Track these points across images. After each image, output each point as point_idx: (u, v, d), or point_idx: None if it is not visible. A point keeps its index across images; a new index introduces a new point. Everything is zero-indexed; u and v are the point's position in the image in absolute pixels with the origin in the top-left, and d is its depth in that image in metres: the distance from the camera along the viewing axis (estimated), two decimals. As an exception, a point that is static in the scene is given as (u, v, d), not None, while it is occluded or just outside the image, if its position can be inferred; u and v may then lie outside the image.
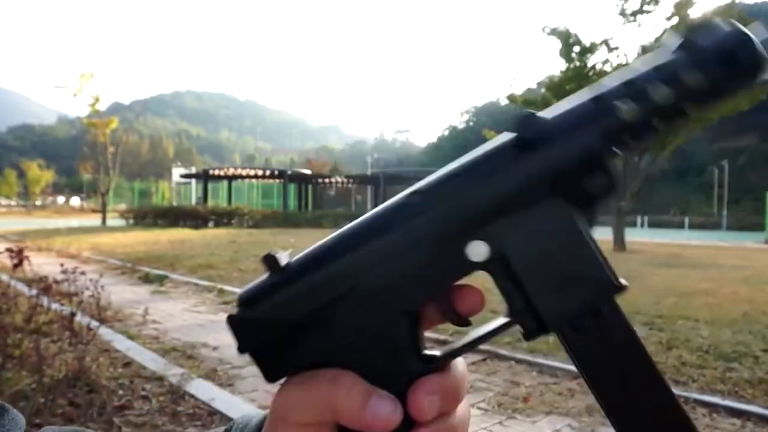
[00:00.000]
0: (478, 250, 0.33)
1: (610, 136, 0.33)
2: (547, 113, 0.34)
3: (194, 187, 40.07)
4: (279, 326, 0.33)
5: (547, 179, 0.33)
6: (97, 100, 25.91)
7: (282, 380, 0.35)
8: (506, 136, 0.34)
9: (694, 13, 13.71)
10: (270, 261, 0.34)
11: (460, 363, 0.36)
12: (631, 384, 0.33)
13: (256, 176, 36.01)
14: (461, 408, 0.36)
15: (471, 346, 0.35)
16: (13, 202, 66.08)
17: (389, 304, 0.33)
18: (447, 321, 0.35)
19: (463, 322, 0.35)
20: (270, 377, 0.34)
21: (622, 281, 0.33)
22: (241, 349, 0.34)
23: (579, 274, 0.33)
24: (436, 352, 0.35)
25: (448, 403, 0.34)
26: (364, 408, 0.32)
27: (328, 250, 0.34)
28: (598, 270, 0.33)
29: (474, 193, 0.33)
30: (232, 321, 0.33)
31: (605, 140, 0.33)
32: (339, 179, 42.01)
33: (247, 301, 0.34)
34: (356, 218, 0.35)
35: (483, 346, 4.49)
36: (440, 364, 0.34)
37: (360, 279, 0.33)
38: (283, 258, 0.34)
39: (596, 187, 0.33)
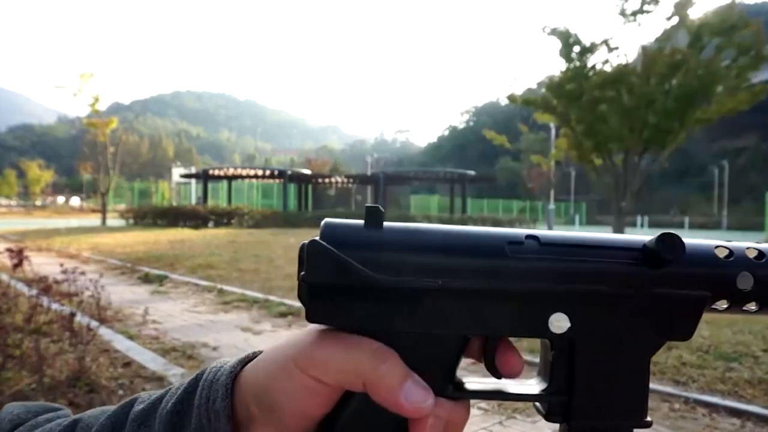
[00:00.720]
0: (560, 323, 0.34)
1: (718, 294, 0.35)
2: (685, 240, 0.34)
3: (194, 187, 40.05)
4: (358, 279, 0.32)
5: (650, 301, 0.34)
6: (97, 100, 25.89)
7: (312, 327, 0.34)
8: (641, 242, 0.35)
9: (694, 13, 13.71)
10: (373, 214, 0.33)
11: (467, 407, 0.36)
12: None
13: (256, 176, 35.98)
14: None
15: (498, 397, 0.36)
16: (13, 202, 66.06)
17: (458, 321, 0.33)
18: (480, 362, 0.36)
19: (494, 371, 0.36)
20: (313, 317, 0.33)
21: (649, 419, 0.34)
22: (308, 278, 0.32)
23: (624, 396, 0.34)
24: (466, 382, 0.36)
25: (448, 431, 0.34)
26: (400, 388, 0.32)
27: (430, 239, 0.34)
28: (639, 403, 0.34)
29: (590, 272, 0.34)
30: (314, 245, 0.32)
31: (713, 295, 0.35)
32: (339, 179, 41.99)
33: (337, 238, 0.33)
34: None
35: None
36: (465, 396, 0.35)
37: (447, 285, 0.33)
38: (382, 214, 0.34)
39: (680, 330, 0.35)
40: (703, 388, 3.56)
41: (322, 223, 0.34)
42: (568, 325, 0.33)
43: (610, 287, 0.34)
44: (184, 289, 7.59)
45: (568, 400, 0.34)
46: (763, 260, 0.36)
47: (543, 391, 0.35)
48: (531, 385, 0.36)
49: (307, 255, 0.32)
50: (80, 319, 3.83)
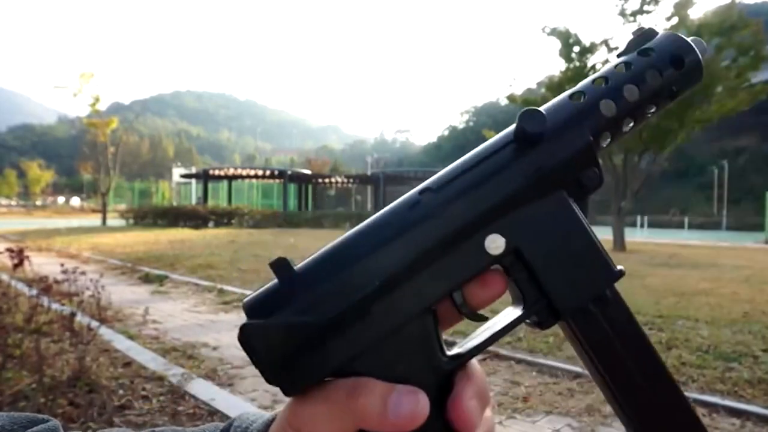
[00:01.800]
0: (496, 244, 0.34)
1: (597, 132, 0.36)
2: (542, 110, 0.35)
3: (194, 187, 40.05)
4: (297, 335, 0.31)
5: (552, 173, 0.35)
6: (97, 100, 25.90)
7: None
8: (511, 131, 0.35)
9: (694, 13, 13.71)
10: (280, 266, 0.33)
11: (477, 364, 0.36)
12: (637, 367, 0.35)
13: (256, 176, 36.00)
14: (488, 408, 0.36)
15: (493, 340, 0.36)
16: (13, 202, 66.05)
17: (412, 303, 0.33)
18: (462, 317, 0.36)
19: (479, 317, 0.36)
20: (290, 392, 0.32)
21: (620, 267, 0.35)
22: (259, 363, 0.32)
23: (584, 262, 0.35)
24: (458, 350, 0.36)
25: (484, 403, 0.34)
26: (385, 409, 0.31)
27: (343, 254, 0.33)
28: (600, 258, 0.35)
29: (488, 187, 0.34)
30: (245, 332, 0.32)
31: (594, 136, 0.36)
32: (339, 179, 42.00)
33: (258, 310, 0.32)
34: (357, 218, 0.35)
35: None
36: (465, 360, 0.35)
37: (381, 281, 0.32)
38: (293, 263, 0.33)
39: (590, 179, 0.35)
40: (703, 388, 3.56)
41: (242, 304, 0.33)
42: (503, 240, 0.34)
43: (511, 188, 0.34)
44: (184, 289, 7.60)
45: (546, 300, 0.34)
46: (610, 82, 0.37)
47: (524, 308, 0.35)
48: (513, 312, 0.36)
49: (245, 345, 0.32)
50: (80, 319, 3.83)
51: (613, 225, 14.89)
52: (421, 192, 0.34)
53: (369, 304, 0.32)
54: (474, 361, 0.35)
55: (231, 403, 3.32)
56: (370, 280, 0.32)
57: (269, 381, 0.32)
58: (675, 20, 13.70)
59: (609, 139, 0.37)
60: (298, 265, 0.33)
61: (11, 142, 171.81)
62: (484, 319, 0.36)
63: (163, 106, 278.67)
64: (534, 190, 0.34)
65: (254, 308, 0.32)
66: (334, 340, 0.32)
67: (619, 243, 14.11)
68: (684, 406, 0.35)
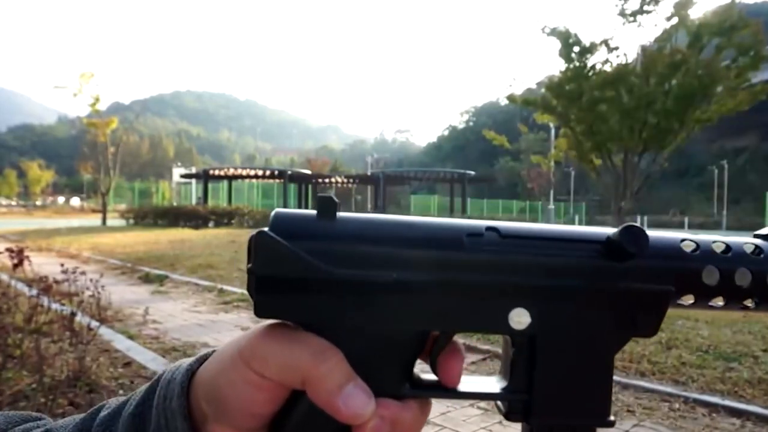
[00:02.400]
0: (520, 319, 0.32)
1: (684, 289, 0.34)
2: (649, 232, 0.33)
3: (194, 187, 40.07)
4: (303, 272, 0.31)
5: (613, 295, 0.33)
6: (97, 100, 25.87)
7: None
8: (607, 233, 0.34)
9: (694, 13, 13.71)
10: (326, 203, 0.32)
11: (425, 409, 0.34)
12: None
13: (256, 176, 36.00)
14: None
15: (456, 396, 0.34)
16: (13, 202, 66.03)
17: (416, 316, 0.32)
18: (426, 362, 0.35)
19: (436, 374, 0.34)
20: (261, 311, 0.31)
21: (612, 418, 0.33)
22: (255, 270, 0.31)
23: (586, 393, 0.33)
24: (425, 380, 0.34)
25: None
26: (339, 392, 0.30)
27: (387, 229, 0.32)
28: (603, 399, 0.33)
29: (551, 266, 0.32)
30: (261, 236, 0.31)
31: (678, 290, 0.34)
32: (339, 179, 42.01)
33: (287, 229, 0.31)
34: None
35: (483, 346, 4.44)
36: (421, 395, 0.33)
37: (403, 277, 0.31)
38: (336, 204, 0.32)
39: (644, 325, 0.33)
40: (703, 388, 3.56)
41: (272, 213, 0.32)
42: (529, 320, 0.32)
43: (571, 281, 0.32)
44: (184, 289, 7.60)
45: (528, 398, 0.33)
46: (730, 254, 0.35)
47: (503, 389, 0.34)
48: (491, 383, 0.35)
49: (255, 246, 0.31)
50: (80, 319, 3.83)
51: (613, 225, 14.85)
52: (488, 228, 0.33)
53: (377, 290, 0.31)
54: (425, 403, 0.34)
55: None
56: (395, 272, 0.31)
57: (251, 292, 0.31)
58: (675, 20, 13.70)
59: (690, 302, 0.35)
60: (344, 213, 0.33)
61: (11, 142, 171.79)
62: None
63: (163, 106, 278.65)
64: (588, 299, 0.33)
65: (282, 222, 0.32)
66: (329, 299, 0.31)
67: (619, 243, 14.08)
68: None
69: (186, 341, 4.74)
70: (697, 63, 12.96)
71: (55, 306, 4.13)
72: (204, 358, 0.36)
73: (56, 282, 3.96)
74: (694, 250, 0.34)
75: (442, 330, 0.33)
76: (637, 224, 0.33)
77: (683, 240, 0.35)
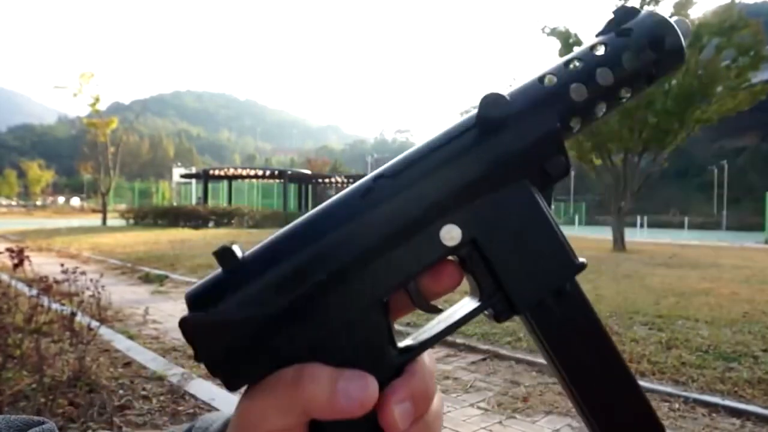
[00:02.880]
0: (451, 234, 0.32)
1: (566, 117, 0.34)
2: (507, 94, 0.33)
3: (194, 187, 40.03)
4: (243, 328, 0.30)
5: (513, 161, 0.33)
6: (97, 100, 25.88)
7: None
8: (473, 116, 0.33)
9: (694, 12, 13.71)
10: (224, 255, 0.31)
11: (427, 357, 0.33)
12: (595, 362, 0.33)
13: (256, 176, 35.97)
14: (435, 402, 0.33)
15: (447, 332, 0.34)
16: (13, 202, 66.04)
17: (364, 293, 0.31)
18: (416, 308, 0.34)
19: (433, 308, 0.34)
20: (232, 386, 0.31)
21: (582, 260, 0.33)
22: (201, 358, 0.30)
23: (544, 254, 0.33)
24: (410, 342, 0.34)
25: (420, 406, 0.31)
26: (334, 393, 0.29)
27: (291, 241, 0.31)
28: (561, 250, 0.33)
29: (446, 175, 0.32)
30: (186, 325, 0.30)
31: (562, 121, 0.34)
32: (339, 179, 41.99)
33: (201, 302, 0.30)
34: None
35: (483, 346, 4.44)
36: (416, 354, 0.33)
37: (329, 269, 0.31)
38: (238, 251, 0.31)
39: (555, 168, 0.34)
40: (703, 388, 3.56)
41: (185, 297, 0.31)
42: (459, 230, 0.32)
43: (470, 176, 0.32)
44: (184, 289, 7.59)
45: (504, 293, 0.33)
46: (583, 64, 0.35)
47: (480, 300, 0.34)
48: (470, 304, 0.35)
49: (187, 337, 0.30)
50: (80, 319, 3.83)
51: (613, 225, 14.89)
52: (375, 179, 0.33)
53: (317, 294, 0.30)
54: (425, 357, 0.33)
55: (231, 403, 3.31)
56: (319, 270, 0.30)
57: (213, 374, 0.30)
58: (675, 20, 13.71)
59: (579, 125, 0.35)
60: (245, 253, 0.31)
61: (11, 142, 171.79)
62: (439, 311, 0.35)
63: (163, 106, 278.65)
64: (494, 179, 0.33)
65: (197, 299, 0.31)
66: (280, 333, 0.30)
67: (619, 243, 14.10)
68: (641, 400, 0.34)
69: (185, 341, 4.73)
70: (697, 63, 12.96)
71: (55, 306, 4.12)
72: (226, 425, 0.35)
73: (56, 282, 3.96)
74: (554, 81, 0.34)
75: (396, 289, 0.32)
76: (496, 92, 0.32)
77: (540, 78, 0.35)
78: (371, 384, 0.30)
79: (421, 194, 0.32)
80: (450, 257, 0.33)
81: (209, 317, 0.30)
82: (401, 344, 0.33)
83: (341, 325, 0.31)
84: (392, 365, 0.32)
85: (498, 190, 0.33)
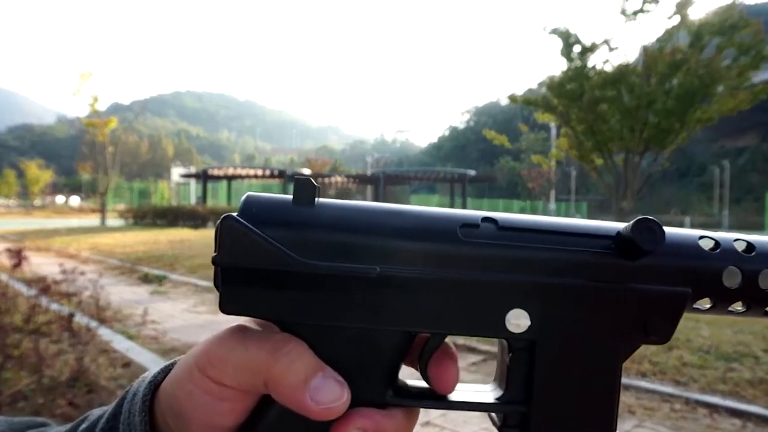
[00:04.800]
0: (519, 322, 0.29)
1: (702, 292, 0.31)
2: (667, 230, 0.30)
3: (194, 187, 40.06)
4: (279, 263, 0.27)
5: (626, 297, 0.30)
6: (96, 100, 25.87)
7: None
8: (617, 228, 0.30)
9: (695, 12, 13.71)
10: (305, 186, 0.29)
11: (416, 411, 0.31)
12: None
13: (255, 176, 35.99)
14: None
15: (447, 407, 0.31)
16: (12, 202, 66.06)
17: (400, 315, 0.29)
18: (415, 368, 0.32)
19: (429, 383, 0.31)
20: (227, 307, 0.28)
21: None
22: (220, 260, 0.28)
23: (590, 407, 0.30)
24: (410, 383, 0.32)
25: None
26: (305, 385, 0.27)
27: (374, 219, 0.29)
28: (607, 415, 0.30)
29: (556, 259, 0.29)
30: (227, 222, 0.28)
31: (696, 292, 0.31)
32: (339, 179, 42.01)
33: (258, 215, 0.28)
34: None
35: (483, 347, 4.44)
36: (406, 403, 0.30)
37: (391, 273, 0.28)
38: (316, 188, 0.29)
39: (656, 331, 0.30)
40: (704, 389, 3.55)
41: (244, 197, 0.29)
42: (528, 323, 0.29)
43: (576, 280, 0.29)
44: (183, 289, 7.58)
45: (526, 410, 0.30)
46: (753, 254, 0.32)
47: (498, 399, 0.31)
48: (485, 392, 0.32)
49: (220, 233, 0.28)
50: (79, 319, 3.82)
51: (613, 225, 14.84)
52: (485, 219, 0.30)
53: (364, 285, 0.28)
54: (410, 412, 0.31)
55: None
56: (379, 262, 0.28)
57: (217, 286, 0.28)
58: (676, 19, 13.71)
59: (708, 306, 0.31)
60: (324, 200, 0.29)
61: (11, 142, 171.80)
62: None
63: (163, 106, 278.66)
64: (594, 300, 0.29)
65: (253, 207, 0.28)
66: (304, 294, 0.28)
67: (620, 243, 14.08)
68: None
69: (185, 341, 4.72)
70: (698, 62, 12.96)
71: (54, 306, 4.12)
72: (169, 369, 0.33)
73: (55, 282, 3.96)
74: (714, 249, 0.31)
75: (431, 332, 0.30)
76: (652, 218, 0.29)
77: (702, 237, 0.32)
78: (345, 397, 0.28)
79: (518, 263, 0.29)
80: (503, 342, 0.31)
81: (252, 229, 0.27)
82: (400, 384, 0.31)
83: (363, 329, 0.29)
84: (379, 400, 0.29)
85: (591, 312, 0.29)
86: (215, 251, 0.28)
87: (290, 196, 0.29)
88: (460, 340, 4.66)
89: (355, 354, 0.29)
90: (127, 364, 3.99)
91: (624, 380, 3.64)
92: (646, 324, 0.30)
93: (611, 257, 0.30)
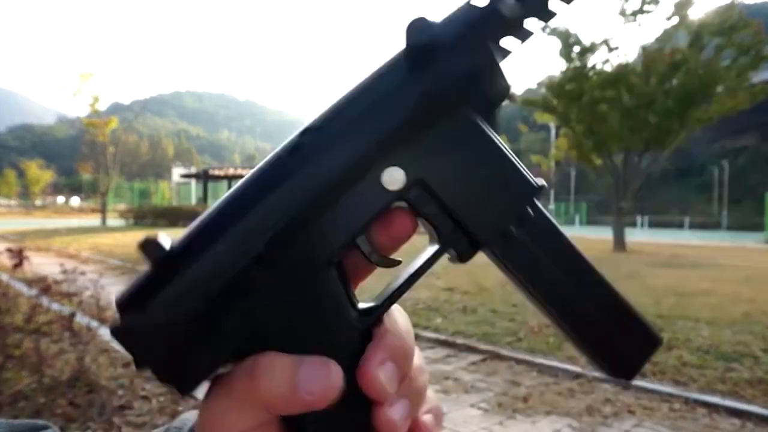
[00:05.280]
0: (393, 178, 0.30)
1: (499, 36, 0.31)
2: (437, 18, 0.31)
3: (194, 187, 40.03)
4: (178, 327, 0.27)
5: (449, 90, 0.30)
6: (96, 100, 25.91)
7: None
8: (401, 51, 0.31)
9: (694, 13, 13.71)
10: (150, 248, 0.28)
11: (398, 315, 0.31)
12: (570, 280, 0.32)
13: (256, 176, 35.95)
14: (416, 360, 0.31)
15: (409, 284, 0.31)
16: (12, 202, 66.05)
17: (309, 259, 0.29)
18: (373, 264, 0.31)
19: (390, 261, 0.31)
20: (183, 390, 0.28)
21: (541, 181, 0.31)
22: (141, 364, 0.27)
23: (499, 181, 0.31)
24: (372, 302, 0.31)
25: (401, 364, 0.29)
26: (294, 387, 0.26)
27: (220, 218, 0.29)
28: (516, 175, 0.31)
29: (377, 116, 0.29)
30: (118, 333, 0.27)
31: (496, 42, 0.31)
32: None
33: (131, 305, 0.27)
34: None
35: (483, 346, 4.43)
36: (381, 313, 0.30)
37: (266, 241, 0.28)
38: (166, 242, 0.28)
39: (495, 91, 0.31)
40: (703, 388, 3.56)
41: (115, 303, 0.28)
42: (402, 172, 0.30)
43: (402, 114, 0.29)
44: (184, 289, 7.59)
45: (462, 229, 0.31)
46: None
47: (439, 242, 0.31)
48: (430, 249, 0.32)
49: (122, 345, 0.27)
50: (80, 319, 3.83)
51: (613, 225, 14.89)
52: (303, 133, 0.30)
53: (256, 272, 0.28)
54: (394, 313, 0.31)
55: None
56: (255, 243, 0.28)
57: (160, 381, 0.28)
58: (675, 20, 13.70)
59: (513, 44, 0.32)
60: (173, 242, 0.28)
61: (11, 142, 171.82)
62: (397, 263, 0.32)
63: (163, 106, 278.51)
64: (431, 112, 0.30)
65: (126, 303, 0.28)
66: (224, 322, 0.27)
67: (620, 243, 14.09)
68: (626, 307, 0.32)
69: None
70: (698, 63, 12.96)
71: (54, 306, 4.13)
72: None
73: (56, 282, 3.97)
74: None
75: (342, 246, 0.29)
76: (422, 16, 0.29)
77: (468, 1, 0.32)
78: (334, 370, 0.27)
79: (353, 141, 0.29)
80: (398, 203, 0.31)
81: (139, 322, 0.27)
82: (362, 306, 0.31)
83: (290, 301, 0.28)
84: (355, 331, 0.29)
85: (437, 123, 0.30)
86: (135, 366, 0.28)
87: (146, 268, 0.28)
88: (460, 339, 4.67)
89: (307, 317, 0.29)
90: (128, 364, 3.99)
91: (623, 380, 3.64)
92: (485, 94, 0.31)
93: (412, 75, 0.30)
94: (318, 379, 0.27)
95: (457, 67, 0.30)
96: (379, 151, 0.29)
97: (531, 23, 0.32)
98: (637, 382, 3.62)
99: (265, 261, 0.28)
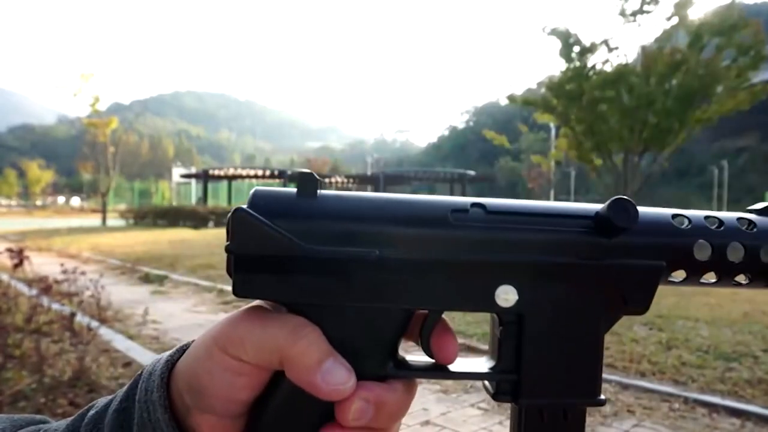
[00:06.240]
0: (507, 297, 0.32)
1: (675, 264, 0.33)
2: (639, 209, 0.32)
3: (194, 187, 40.05)
4: (288, 250, 0.30)
5: (606, 271, 0.32)
6: (96, 100, 25.87)
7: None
8: (595, 209, 0.33)
9: (694, 13, 13.71)
10: (307, 180, 0.31)
11: (412, 386, 0.34)
12: None
13: (256, 176, 35.97)
14: (395, 429, 0.34)
15: (444, 377, 0.34)
16: (13, 202, 66.03)
17: (399, 294, 0.31)
18: (417, 343, 0.34)
19: (431, 356, 0.33)
20: (240, 291, 0.31)
21: (602, 398, 0.33)
22: (233, 249, 0.30)
23: (576, 374, 0.32)
24: (409, 358, 0.34)
25: (381, 418, 0.31)
26: (318, 367, 0.30)
27: (370, 207, 0.31)
28: (592, 379, 0.33)
29: (539, 242, 0.32)
30: (238, 213, 0.30)
31: (669, 265, 0.33)
32: (339, 179, 42.01)
33: (266, 207, 0.30)
34: None
35: (483, 346, 4.44)
36: (406, 377, 0.33)
37: (389, 256, 0.31)
38: (318, 181, 0.31)
39: (634, 302, 0.33)
40: (703, 388, 3.56)
41: (252, 191, 0.32)
42: (516, 298, 0.31)
43: (559, 257, 0.32)
44: (184, 289, 7.59)
45: (516, 378, 0.32)
46: (722, 229, 0.34)
47: (491, 369, 0.33)
48: (479, 364, 0.34)
49: (232, 224, 0.30)
50: (80, 319, 3.83)
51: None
52: (474, 205, 0.32)
53: (365, 267, 0.31)
54: (413, 387, 0.33)
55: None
56: (380, 248, 0.30)
57: (230, 272, 0.31)
58: (675, 20, 13.70)
59: (682, 278, 0.34)
60: (325, 191, 0.32)
61: (11, 142, 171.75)
62: (432, 359, 0.34)
63: (163, 106, 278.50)
64: (576, 275, 0.32)
65: (261, 200, 0.31)
66: (310, 278, 0.30)
67: (619, 243, 14.07)
68: None
69: (186, 341, 4.73)
70: (698, 63, 12.96)
71: (55, 306, 4.13)
72: (184, 349, 0.36)
73: (56, 282, 3.97)
74: (686, 225, 0.34)
75: (427, 308, 0.32)
76: (627, 198, 0.32)
77: (675, 215, 0.34)
78: (351, 382, 0.30)
79: (505, 243, 0.31)
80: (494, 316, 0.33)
81: (261, 220, 0.30)
82: (400, 358, 0.33)
83: (365, 308, 0.31)
84: (382, 373, 0.32)
85: (572, 287, 0.32)
86: (227, 241, 0.31)
87: (295, 190, 0.32)
88: (460, 339, 4.66)
89: (358, 332, 0.31)
90: (128, 363, 4.00)
91: (623, 380, 3.65)
92: (626, 295, 0.32)
93: (590, 235, 0.32)
94: (338, 378, 0.30)
95: (628, 261, 0.33)
96: (516, 269, 0.32)
97: (708, 275, 0.34)
98: (637, 381, 3.63)
99: (369, 267, 0.31)
